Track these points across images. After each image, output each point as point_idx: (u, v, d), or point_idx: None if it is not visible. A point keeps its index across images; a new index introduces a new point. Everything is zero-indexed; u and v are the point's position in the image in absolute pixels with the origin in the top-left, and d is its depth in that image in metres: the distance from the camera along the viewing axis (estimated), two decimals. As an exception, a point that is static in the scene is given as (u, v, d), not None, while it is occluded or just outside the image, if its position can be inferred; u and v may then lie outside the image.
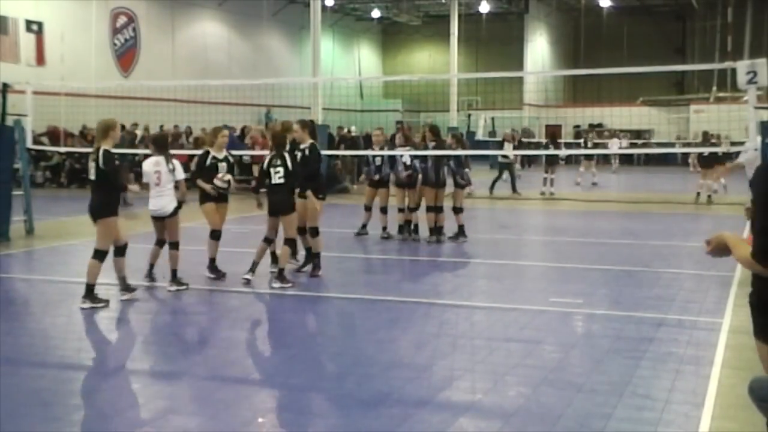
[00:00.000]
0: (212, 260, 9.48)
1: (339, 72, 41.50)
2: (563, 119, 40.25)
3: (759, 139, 10.33)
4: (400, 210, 12.96)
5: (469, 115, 37.03)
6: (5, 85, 13.19)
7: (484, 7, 39.09)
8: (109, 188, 7.95)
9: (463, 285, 9.61)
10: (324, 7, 31.86)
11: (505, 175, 22.17)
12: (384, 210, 13.13)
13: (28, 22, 25.49)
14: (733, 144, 19.91)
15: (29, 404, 5.25)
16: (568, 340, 6.91)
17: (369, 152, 14.23)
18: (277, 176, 9.09)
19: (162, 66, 30.45)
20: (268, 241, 9.31)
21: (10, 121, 13.28)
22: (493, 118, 36.17)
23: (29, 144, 14.32)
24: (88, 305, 7.83)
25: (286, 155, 9.20)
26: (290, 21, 37.80)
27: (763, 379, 4.04)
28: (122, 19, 29.69)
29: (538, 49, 44.33)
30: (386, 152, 13.05)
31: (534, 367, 6.04)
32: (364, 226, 13.17)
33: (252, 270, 9.16)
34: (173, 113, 24.69)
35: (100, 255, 7.95)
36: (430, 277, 10.42)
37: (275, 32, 38.21)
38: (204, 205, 9.53)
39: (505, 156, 21.68)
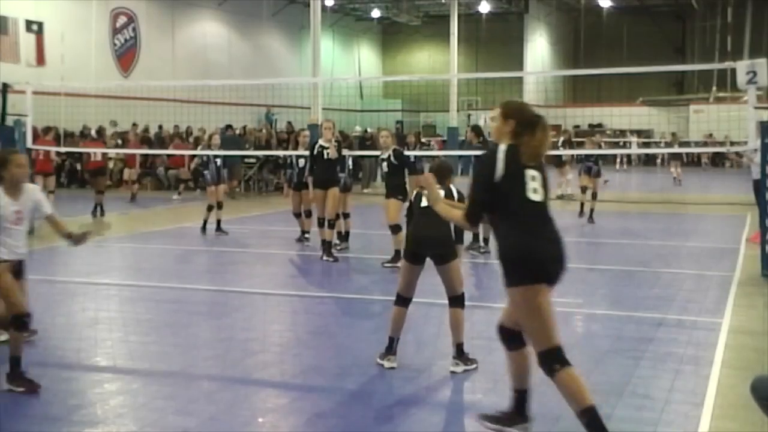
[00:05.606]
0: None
1: (339, 72, 41.46)
2: (563, 119, 40.23)
3: (758, 141, 10.31)
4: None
5: (469, 115, 36.96)
6: (5, 85, 13.19)
7: (484, 7, 39.05)
8: None
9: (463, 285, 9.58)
10: (324, 7, 31.84)
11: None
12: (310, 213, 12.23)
13: (28, 22, 25.46)
14: (733, 144, 19.91)
15: (29, 404, 5.26)
16: (568, 340, 6.86)
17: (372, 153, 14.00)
18: None
19: (162, 66, 30.42)
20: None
21: (10, 121, 13.28)
22: (493, 118, 36.13)
23: (29, 144, 14.32)
24: None
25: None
26: (290, 21, 37.78)
27: (764, 377, 4.05)
28: (122, 19, 29.67)
29: (538, 49, 44.31)
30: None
31: (534, 367, 6.03)
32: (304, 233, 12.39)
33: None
34: (173, 113, 24.68)
35: None
36: (429, 277, 10.40)
37: (275, 32, 38.19)
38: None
39: None
